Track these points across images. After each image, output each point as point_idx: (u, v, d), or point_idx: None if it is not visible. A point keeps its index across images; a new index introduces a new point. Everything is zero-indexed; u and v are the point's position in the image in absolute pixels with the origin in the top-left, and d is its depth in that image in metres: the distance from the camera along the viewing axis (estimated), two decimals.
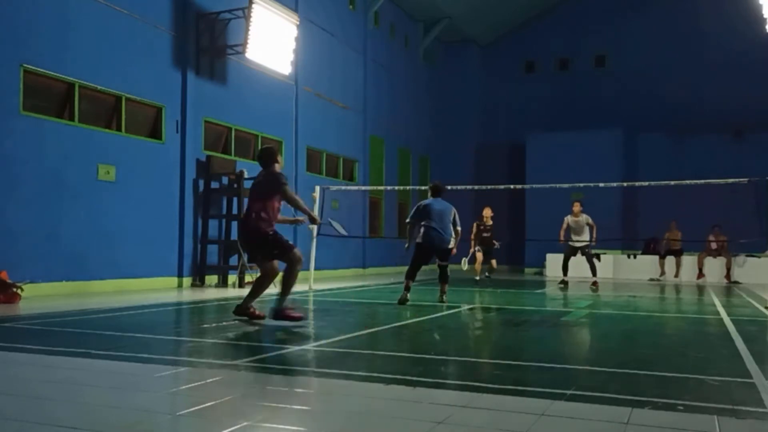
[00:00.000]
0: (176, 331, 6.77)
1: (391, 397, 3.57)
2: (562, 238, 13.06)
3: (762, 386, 3.84)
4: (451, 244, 9.17)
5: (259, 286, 6.82)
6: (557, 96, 23.73)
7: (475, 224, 15.03)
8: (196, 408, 3.27)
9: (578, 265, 13.97)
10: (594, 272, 12.64)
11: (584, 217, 12.79)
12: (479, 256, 14.80)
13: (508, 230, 21.65)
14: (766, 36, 15.44)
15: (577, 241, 12.76)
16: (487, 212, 15.10)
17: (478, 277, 14.70)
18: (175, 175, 12.17)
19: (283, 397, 3.59)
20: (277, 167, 6.87)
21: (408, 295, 8.92)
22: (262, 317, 6.65)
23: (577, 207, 12.89)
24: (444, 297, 9.22)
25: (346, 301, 9.93)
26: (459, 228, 9.27)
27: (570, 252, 13.07)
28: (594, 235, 12.86)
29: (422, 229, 9.08)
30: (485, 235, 14.94)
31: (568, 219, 12.93)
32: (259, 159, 6.95)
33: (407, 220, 9.50)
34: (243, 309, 6.70)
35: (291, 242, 6.70)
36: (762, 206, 12.25)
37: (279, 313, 6.48)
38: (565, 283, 13.07)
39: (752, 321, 7.68)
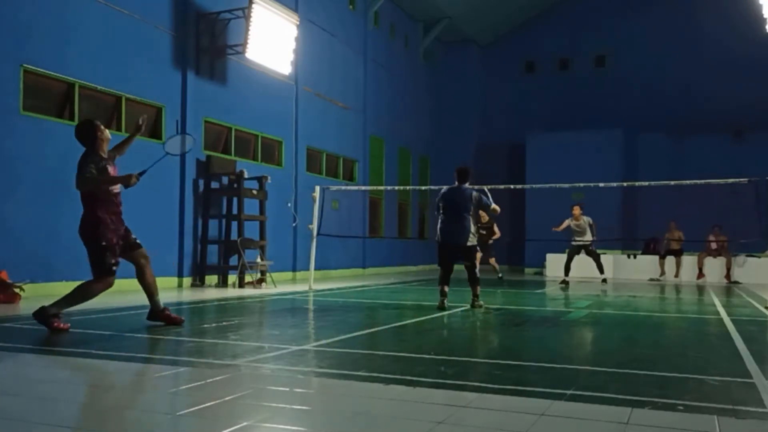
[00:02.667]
0: (176, 331, 6.77)
1: (391, 397, 3.57)
2: (559, 228, 13.27)
3: (762, 386, 3.84)
4: (471, 241, 8.09)
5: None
6: (557, 96, 23.73)
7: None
8: (196, 408, 3.27)
9: (578, 265, 14.00)
10: (601, 270, 12.81)
11: (585, 219, 12.90)
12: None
13: (508, 230, 21.68)
14: (766, 36, 15.44)
15: (580, 240, 12.85)
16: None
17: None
18: (175, 175, 12.17)
19: (283, 397, 3.59)
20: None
21: (445, 301, 8.15)
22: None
23: (577, 210, 13.04)
24: (477, 301, 8.23)
25: (346, 301, 9.92)
26: (493, 205, 8.22)
27: (574, 252, 13.17)
28: (594, 232, 13.03)
29: (438, 226, 8.31)
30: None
31: (570, 222, 13.03)
32: None
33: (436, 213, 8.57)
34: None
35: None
36: (762, 206, 12.24)
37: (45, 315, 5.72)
38: (566, 283, 13.11)
39: (752, 321, 7.68)
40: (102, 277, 5.82)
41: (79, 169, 5.71)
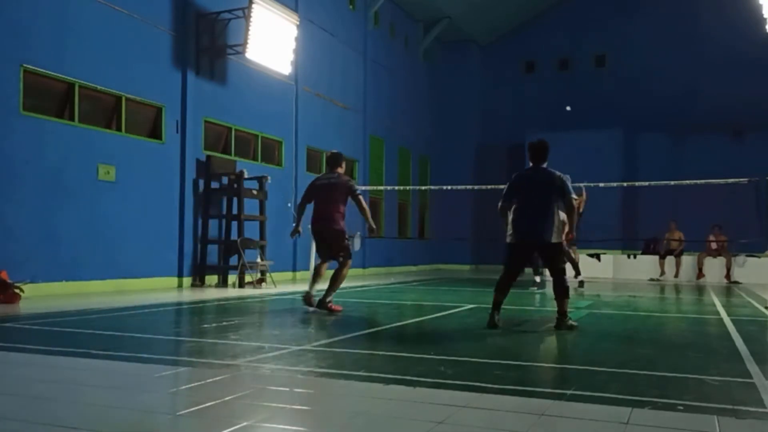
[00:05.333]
0: (176, 331, 6.78)
1: (391, 397, 3.57)
2: None
3: (762, 386, 3.84)
4: (556, 238, 6.29)
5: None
6: (557, 96, 23.71)
7: None
8: (196, 408, 3.27)
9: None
10: (578, 271, 12.43)
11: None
12: None
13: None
14: (766, 36, 15.44)
15: None
16: None
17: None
18: (175, 175, 12.18)
19: (283, 397, 3.59)
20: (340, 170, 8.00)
21: (497, 317, 6.39)
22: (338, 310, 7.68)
23: None
24: (566, 320, 6.36)
25: (346, 301, 9.91)
26: (573, 196, 6.43)
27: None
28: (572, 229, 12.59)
29: (511, 219, 6.45)
30: None
31: None
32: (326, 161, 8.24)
33: (499, 208, 6.67)
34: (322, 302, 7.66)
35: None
36: (762, 206, 12.25)
37: (324, 305, 7.63)
38: (538, 284, 12.75)
39: (752, 321, 7.68)
40: (348, 260, 7.80)
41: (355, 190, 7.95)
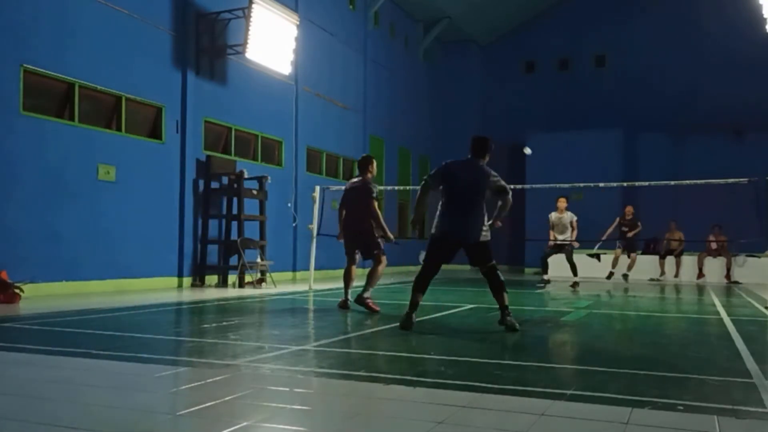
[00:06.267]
0: (176, 331, 6.78)
1: (391, 397, 3.57)
2: (552, 237, 12.60)
3: (762, 386, 3.84)
4: (485, 236, 6.19)
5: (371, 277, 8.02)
6: (557, 96, 23.72)
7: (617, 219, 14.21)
8: (196, 408, 3.27)
9: (579, 264, 13.89)
10: (575, 272, 12.39)
11: (568, 215, 12.46)
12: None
13: (508, 230, 21.67)
14: (766, 36, 15.43)
15: (560, 237, 12.39)
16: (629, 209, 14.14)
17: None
18: (175, 175, 12.18)
19: (283, 397, 3.59)
20: (369, 176, 8.03)
21: (414, 316, 6.29)
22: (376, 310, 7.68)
23: (562, 203, 12.51)
24: (509, 317, 6.19)
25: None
26: (509, 196, 6.30)
27: (551, 250, 12.70)
28: (573, 236, 12.47)
29: (438, 213, 6.29)
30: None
31: (552, 216, 12.62)
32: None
33: (422, 183, 6.46)
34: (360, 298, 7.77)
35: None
36: (762, 206, 12.23)
37: (361, 300, 7.73)
38: (546, 282, 12.61)
39: (752, 321, 7.68)
40: (382, 255, 7.97)
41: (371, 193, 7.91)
